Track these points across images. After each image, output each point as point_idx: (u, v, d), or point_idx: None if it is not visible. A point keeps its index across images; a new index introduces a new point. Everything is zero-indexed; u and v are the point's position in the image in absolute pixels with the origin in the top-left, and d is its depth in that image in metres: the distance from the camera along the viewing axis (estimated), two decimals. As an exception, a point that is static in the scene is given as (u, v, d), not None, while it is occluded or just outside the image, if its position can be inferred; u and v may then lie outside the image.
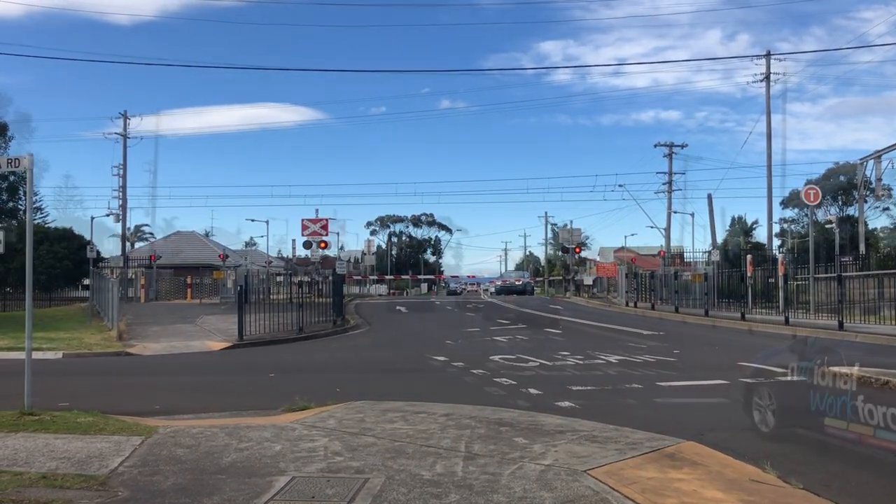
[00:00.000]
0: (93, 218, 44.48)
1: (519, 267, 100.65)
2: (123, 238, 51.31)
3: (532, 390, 11.03)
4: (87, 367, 15.87)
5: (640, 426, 7.79)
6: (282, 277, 29.62)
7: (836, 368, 7.13)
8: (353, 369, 15.29)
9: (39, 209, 76.54)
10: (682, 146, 53.25)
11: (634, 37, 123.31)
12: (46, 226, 59.83)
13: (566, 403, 9.78)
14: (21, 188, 40.74)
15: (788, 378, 7.86)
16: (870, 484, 6.15)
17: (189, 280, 47.87)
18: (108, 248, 60.74)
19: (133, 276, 45.27)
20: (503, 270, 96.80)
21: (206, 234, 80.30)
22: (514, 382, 11.91)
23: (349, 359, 17.41)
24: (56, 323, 26.96)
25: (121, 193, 47.97)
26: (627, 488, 5.28)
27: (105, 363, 16.57)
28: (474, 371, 13.53)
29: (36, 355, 17.45)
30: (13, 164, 9.13)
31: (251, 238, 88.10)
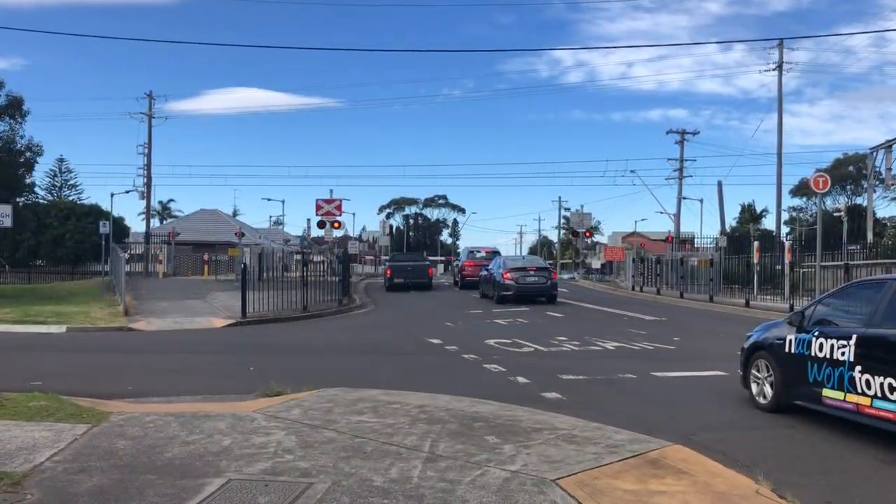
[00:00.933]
0: (112, 194, 44.38)
1: (533, 251, 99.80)
2: (148, 214, 52.00)
3: (520, 378, 10.44)
4: (85, 342, 15.49)
5: (626, 423, 7.19)
6: (299, 256, 29.29)
7: (833, 340, 7.09)
8: (343, 351, 14.78)
9: (74, 186, 76.77)
10: (694, 133, 52.31)
11: (642, 17, 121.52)
12: (71, 200, 59.47)
13: (552, 394, 9.19)
14: (36, 162, 40.72)
15: (786, 350, 7.82)
16: (875, 492, 5.52)
17: (206, 257, 47.63)
18: (135, 224, 61.35)
19: (153, 252, 45.33)
20: (514, 254, 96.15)
21: (234, 214, 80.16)
22: (503, 369, 11.33)
23: (343, 339, 16.91)
24: (71, 297, 26.68)
25: (145, 172, 48.45)
26: None
27: (104, 339, 16.19)
28: (465, 356, 12.97)
29: (41, 329, 17.27)
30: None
31: (278, 217, 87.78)
